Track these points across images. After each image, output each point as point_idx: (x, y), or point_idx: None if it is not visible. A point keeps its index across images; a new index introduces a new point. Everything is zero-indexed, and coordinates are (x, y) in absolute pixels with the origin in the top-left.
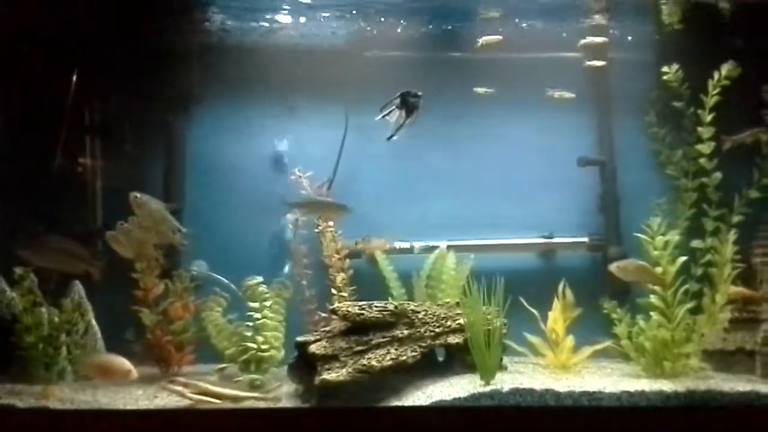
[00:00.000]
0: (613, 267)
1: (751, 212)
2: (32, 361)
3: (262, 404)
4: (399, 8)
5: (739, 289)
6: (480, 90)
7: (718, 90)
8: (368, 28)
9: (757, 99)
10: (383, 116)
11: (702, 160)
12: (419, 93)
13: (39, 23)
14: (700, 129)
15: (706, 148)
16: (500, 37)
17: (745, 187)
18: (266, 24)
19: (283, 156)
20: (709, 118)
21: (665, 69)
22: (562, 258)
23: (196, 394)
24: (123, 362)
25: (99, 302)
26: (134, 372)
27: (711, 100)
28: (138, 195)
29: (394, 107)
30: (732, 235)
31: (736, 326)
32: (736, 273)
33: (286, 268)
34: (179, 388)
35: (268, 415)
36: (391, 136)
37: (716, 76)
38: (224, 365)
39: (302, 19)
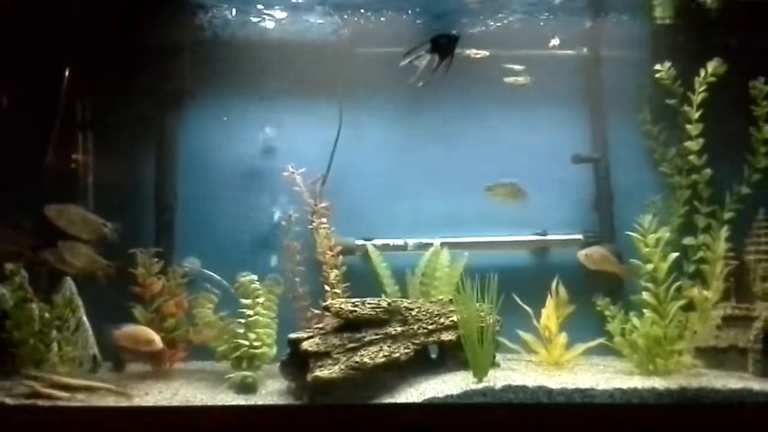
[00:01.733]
0: (580, 255)
1: (742, 209)
2: (23, 357)
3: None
4: (392, 4)
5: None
6: (475, 52)
7: (704, 87)
8: (361, 24)
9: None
10: (409, 62)
11: (691, 157)
12: (455, 34)
13: (31, 17)
14: (688, 126)
15: (694, 144)
16: (486, 53)
17: (737, 184)
18: (259, 19)
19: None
20: (696, 115)
21: (658, 67)
22: (556, 255)
23: (47, 387)
24: (148, 331)
25: (90, 298)
26: (158, 341)
27: (698, 97)
28: (52, 207)
29: (423, 51)
30: (724, 232)
31: (729, 323)
32: (729, 270)
33: (273, 260)
34: (30, 383)
35: (261, 411)
36: (421, 82)
37: (702, 73)
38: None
39: (295, 15)
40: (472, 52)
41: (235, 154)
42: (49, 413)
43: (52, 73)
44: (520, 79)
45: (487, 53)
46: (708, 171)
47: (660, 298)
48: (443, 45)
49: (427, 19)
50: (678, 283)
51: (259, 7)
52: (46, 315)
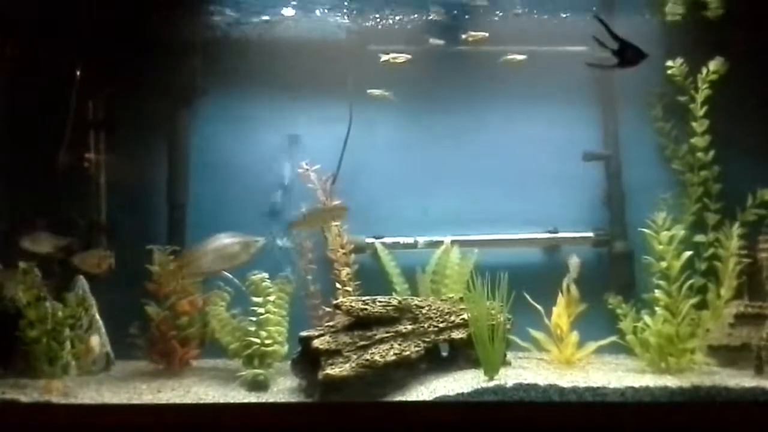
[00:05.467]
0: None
1: (765, 213)
2: (36, 355)
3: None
4: (403, 1)
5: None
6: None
7: (707, 84)
8: (372, 22)
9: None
10: (599, 43)
11: (698, 154)
12: (646, 55)
13: (41, 15)
14: (694, 123)
15: (701, 141)
16: (485, 34)
17: (760, 186)
18: (270, 17)
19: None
20: (701, 111)
21: (669, 63)
22: (567, 253)
23: None
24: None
25: (103, 297)
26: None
27: (702, 94)
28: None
29: (610, 51)
30: (737, 229)
31: (742, 321)
32: (741, 268)
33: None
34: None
35: (272, 409)
36: (590, 64)
37: (704, 71)
38: None
39: (306, 13)
40: (469, 35)
41: (247, 151)
42: (61, 411)
43: (64, 72)
44: (518, 57)
45: (486, 35)
46: (716, 168)
47: (672, 296)
48: (628, 57)
49: (438, 16)
50: (691, 281)
51: (271, 5)
52: (59, 313)
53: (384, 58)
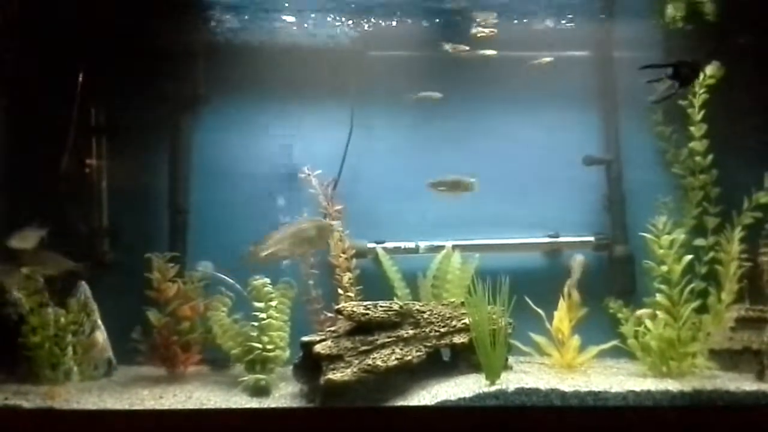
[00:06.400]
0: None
1: (761, 216)
2: (38, 361)
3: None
4: (404, 6)
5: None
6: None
7: (704, 89)
8: (374, 27)
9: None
10: (649, 81)
11: (697, 158)
12: (697, 62)
13: (44, 22)
14: (692, 128)
15: (699, 145)
16: (494, 30)
17: (755, 189)
18: (272, 23)
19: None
20: (699, 116)
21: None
22: (568, 257)
23: None
24: None
25: (105, 302)
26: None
27: (699, 98)
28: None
29: (663, 76)
30: (738, 233)
31: (743, 325)
32: (742, 271)
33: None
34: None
35: (273, 415)
36: (657, 101)
37: (701, 75)
38: None
39: (308, 19)
40: (479, 31)
41: (248, 158)
42: (63, 417)
43: (66, 78)
44: (544, 60)
45: (495, 30)
46: (715, 172)
47: (673, 300)
48: (685, 74)
49: (437, 20)
50: (692, 285)
51: (272, 11)
52: (62, 319)
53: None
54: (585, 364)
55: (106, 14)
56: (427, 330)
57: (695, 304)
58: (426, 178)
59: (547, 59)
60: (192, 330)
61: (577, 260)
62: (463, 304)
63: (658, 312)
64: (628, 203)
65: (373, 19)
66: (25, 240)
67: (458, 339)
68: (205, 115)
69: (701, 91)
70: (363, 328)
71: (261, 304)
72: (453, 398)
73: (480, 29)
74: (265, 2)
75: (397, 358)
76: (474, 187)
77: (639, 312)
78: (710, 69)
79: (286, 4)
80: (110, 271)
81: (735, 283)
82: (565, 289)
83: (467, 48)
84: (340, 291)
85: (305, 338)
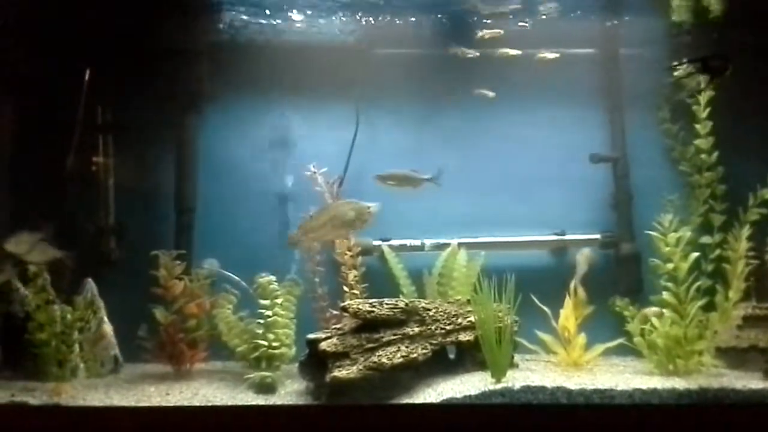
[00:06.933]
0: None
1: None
2: (45, 358)
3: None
4: (410, 4)
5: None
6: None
7: (710, 87)
8: (379, 25)
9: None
10: (678, 78)
11: (702, 156)
12: (726, 55)
13: (49, 21)
14: (697, 125)
15: (704, 143)
16: (500, 31)
17: (759, 184)
18: (277, 22)
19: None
20: (704, 113)
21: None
22: (574, 255)
23: None
24: None
25: (111, 300)
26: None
27: (705, 96)
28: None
29: (692, 71)
30: (746, 231)
31: (750, 323)
32: (749, 270)
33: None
34: None
35: (279, 412)
36: (694, 94)
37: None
38: None
39: (313, 17)
40: (485, 33)
41: (254, 156)
42: (70, 413)
43: (72, 77)
44: (550, 55)
45: (501, 32)
46: (721, 169)
47: (680, 298)
48: (715, 67)
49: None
50: (698, 283)
51: (277, 9)
52: (68, 316)
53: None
54: (591, 362)
55: (112, 13)
56: (433, 328)
57: (702, 301)
58: (430, 177)
59: (553, 54)
60: (198, 327)
61: (584, 254)
62: (468, 301)
63: (664, 310)
64: (634, 201)
65: (380, 18)
66: (20, 245)
67: (464, 337)
68: (210, 114)
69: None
70: (369, 325)
71: (267, 302)
72: (459, 396)
73: (486, 30)
74: (271, 0)
75: (402, 356)
76: (423, 184)
77: (645, 310)
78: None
79: (291, 3)
80: (116, 268)
81: (742, 282)
82: (571, 285)
83: (500, 32)
84: (346, 288)
85: (311, 336)
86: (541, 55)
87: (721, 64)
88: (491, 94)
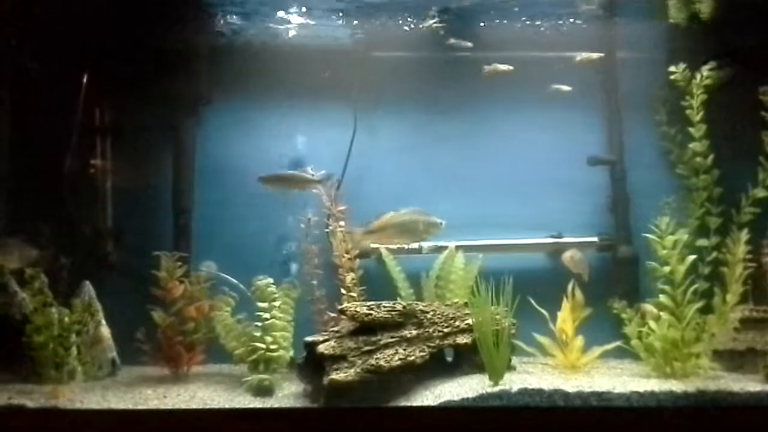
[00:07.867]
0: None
1: (759, 212)
2: (42, 361)
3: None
4: (407, 7)
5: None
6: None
7: (702, 90)
8: (376, 28)
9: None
10: (711, 69)
11: (697, 159)
12: (753, 47)
13: (48, 22)
14: (691, 129)
15: (699, 146)
16: (509, 68)
17: (752, 186)
18: (275, 25)
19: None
20: (698, 116)
21: (672, 68)
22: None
23: None
24: None
25: (109, 302)
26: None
27: (698, 100)
28: None
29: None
30: (744, 234)
31: (747, 326)
32: (746, 272)
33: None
34: None
35: (277, 415)
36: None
37: (698, 76)
38: None
39: (311, 20)
40: (493, 67)
41: (251, 158)
42: (67, 416)
43: (70, 79)
44: (501, 66)
45: (510, 68)
46: (716, 172)
47: (677, 301)
48: (744, 57)
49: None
50: (695, 286)
51: (275, 12)
52: (66, 319)
53: None
54: (588, 365)
55: (110, 15)
56: (431, 330)
57: (699, 304)
58: (429, 178)
59: (504, 67)
60: (196, 330)
61: (572, 257)
62: (466, 304)
63: (661, 313)
64: (632, 204)
65: (377, 20)
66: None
67: (461, 339)
68: (208, 116)
69: (699, 91)
70: (366, 328)
71: (264, 304)
72: (456, 398)
73: (495, 65)
74: (269, 2)
75: (400, 359)
76: (316, 185)
77: (643, 306)
78: (706, 70)
79: (288, 6)
80: (114, 271)
81: (740, 284)
82: (569, 290)
83: (510, 68)
84: (344, 291)
85: (309, 338)
86: (583, 57)
87: (750, 54)
88: (567, 88)
